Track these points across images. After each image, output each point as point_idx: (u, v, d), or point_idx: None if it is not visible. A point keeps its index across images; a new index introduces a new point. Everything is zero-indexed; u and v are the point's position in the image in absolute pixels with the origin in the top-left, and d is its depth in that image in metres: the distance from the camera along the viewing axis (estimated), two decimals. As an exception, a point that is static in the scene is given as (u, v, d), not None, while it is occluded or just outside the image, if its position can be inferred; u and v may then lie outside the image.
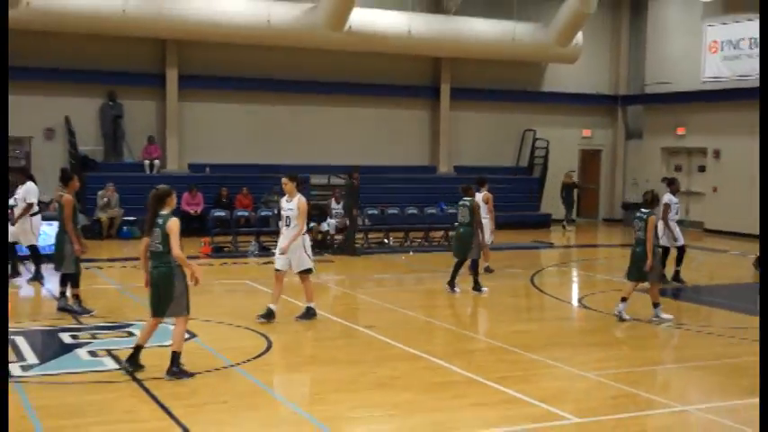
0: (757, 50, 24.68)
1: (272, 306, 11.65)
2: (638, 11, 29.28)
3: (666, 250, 15.39)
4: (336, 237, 20.62)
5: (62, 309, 12.00)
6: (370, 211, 22.49)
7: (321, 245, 20.11)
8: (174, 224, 8.50)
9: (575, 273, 19.01)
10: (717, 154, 26.30)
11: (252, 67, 24.26)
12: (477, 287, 14.66)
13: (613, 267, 19.67)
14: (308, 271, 11.90)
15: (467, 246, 14.56)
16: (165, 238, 8.50)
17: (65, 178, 12.46)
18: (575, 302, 15.05)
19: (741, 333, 11.85)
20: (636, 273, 12.38)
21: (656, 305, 12.54)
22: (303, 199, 11.70)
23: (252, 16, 22.83)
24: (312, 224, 20.30)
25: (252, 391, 8.47)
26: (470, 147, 27.28)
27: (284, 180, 11.87)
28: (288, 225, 11.71)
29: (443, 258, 19.37)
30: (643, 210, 12.45)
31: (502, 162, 27.33)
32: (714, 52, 26.20)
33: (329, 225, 20.43)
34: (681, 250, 15.72)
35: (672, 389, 9.29)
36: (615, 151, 30.02)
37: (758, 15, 24.72)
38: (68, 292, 12.06)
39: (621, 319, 12.35)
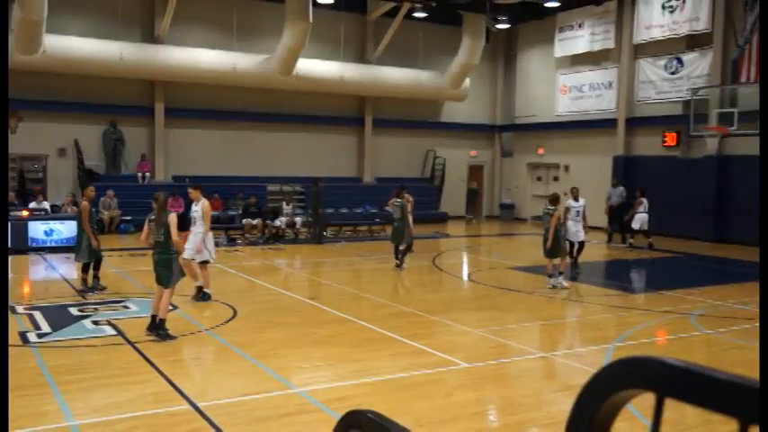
0: (594, 92, 25.30)
1: (197, 284, 11.00)
2: (510, 63, 29.66)
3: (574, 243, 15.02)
4: (287, 231, 20.46)
5: (84, 290, 11.52)
6: (311, 211, 22.35)
7: (275, 237, 19.94)
8: (173, 218, 8.76)
9: (465, 256, 19.18)
10: (567, 168, 26.83)
11: (222, 102, 23.86)
12: (400, 263, 15.08)
13: (494, 251, 19.94)
14: (206, 262, 11.02)
15: (400, 235, 15.02)
16: (167, 229, 8.64)
17: (82, 187, 12.04)
18: (465, 278, 15.16)
19: (594, 300, 12.08)
20: (549, 252, 12.80)
21: (561, 273, 12.93)
22: (207, 203, 11.01)
23: (221, 64, 22.55)
24: (268, 221, 20.14)
25: (221, 349, 8.28)
26: (387, 162, 27.29)
27: (190, 189, 11.21)
28: (194, 225, 10.94)
29: (368, 246, 19.39)
30: (549, 207, 12.90)
31: (411, 174, 27.42)
32: (564, 93, 26.70)
33: (281, 222, 20.23)
34: (580, 244, 15.14)
35: (536, 340, 9.40)
36: (494, 166, 30.37)
37: (594, 69, 25.37)
38: (90, 274, 11.66)
39: (554, 287, 12.72)
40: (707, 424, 5.62)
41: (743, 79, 19.71)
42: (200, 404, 6.23)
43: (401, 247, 15.13)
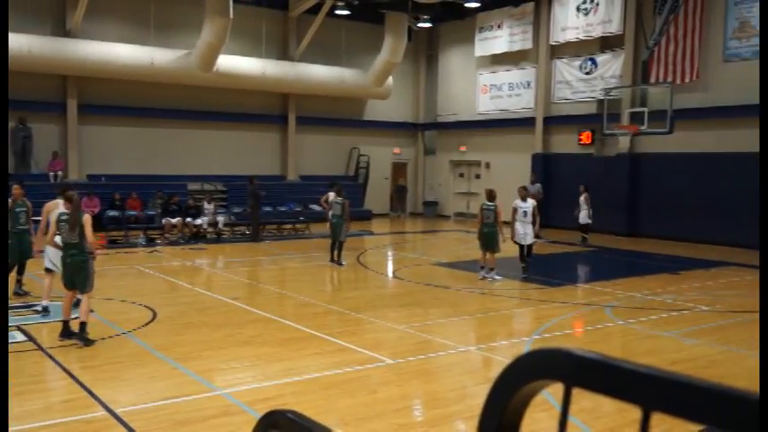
0: (513, 92, 25.89)
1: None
2: (432, 62, 29.99)
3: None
4: (209, 230, 20.10)
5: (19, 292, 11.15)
6: (235, 210, 22.03)
7: (196, 237, 19.55)
8: (88, 218, 8.47)
9: (389, 253, 19.28)
10: (488, 165, 27.35)
11: (139, 98, 23.18)
12: (339, 261, 15.33)
13: (418, 248, 20.13)
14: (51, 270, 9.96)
15: (340, 232, 15.35)
16: (82, 229, 8.32)
17: None
18: (390, 275, 15.24)
19: (515, 294, 12.34)
20: (486, 246, 13.08)
21: (491, 269, 13.18)
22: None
23: (137, 59, 21.91)
24: (188, 219, 19.70)
25: (140, 352, 8.05)
26: (311, 161, 27.15)
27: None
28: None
29: (293, 244, 19.24)
30: (489, 203, 13.32)
31: (335, 172, 27.34)
32: (485, 93, 27.20)
33: (202, 221, 19.83)
34: (529, 248, 13.87)
35: (459, 335, 9.54)
36: (417, 163, 30.66)
37: (512, 69, 25.96)
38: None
39: (493, 280, 13.13)
40: (620, 411, 5.84)
41: (652, 80, 20.57)
42: (118, 410, 6.04)
43: (337, 243, 15.46)
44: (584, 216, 19.69)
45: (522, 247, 13.72)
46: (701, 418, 0.58)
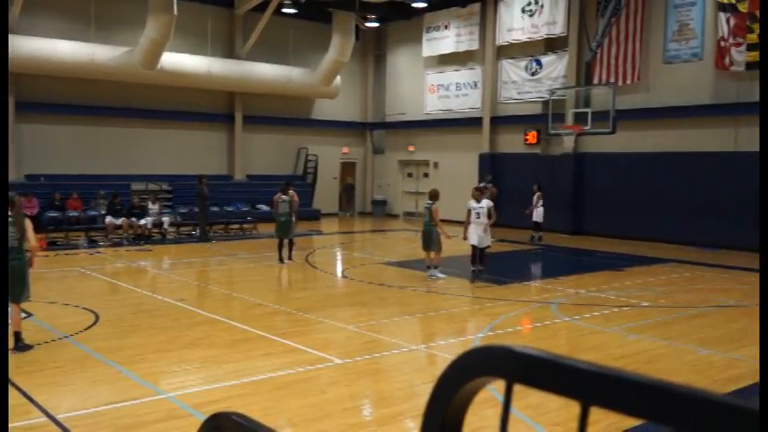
0: (460, 92, 26.14)
1: None
2: (380, 62, 30.05)
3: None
4: (154, 231, 19.74)
5: None
6: (181, 210, 21.69)
7: (141, 237, 19.18)
8: (29, 222, 8.23)
9: (338, 252, 19.25)
10: (436, 165, 27.55)
11: (80, 95, 22.58)
12: (289, 257, 15.68)
13: (366, 247, 20.14)
14: None
15: (288, 230, 15.59)
16: (23, 233, 8.02)
17: None
18: (339, 274, 15.21)
19: (464, 292, 12.44)
20: (424, 244, 13.19)
21: (435, 267, 13.35)
22: None
23: (77, 55, 21.34)
24: (133, 219, 19.30)
25: (82, 356, 7.85)
26: (259, 160, 26.90)
27: None
28: None
29: (240, 244, 19.04)
30: (428, 202, 13.30)
31: (283, 171, 27.14)
32: (432, 93, 27.39)
33: (147, 221, 19.45)
34: (481, 251, 13.42)
35: (408, 334, 9.58)
36: (366, 163, 30.67)
37: (460, 69, 26.20)
38: None
39: (435, 278, 13.25)
40: (566, 407, 5.95)
41: (595, 81, 21.02)
42: (60, 416, 5.88)
43: (285, 242, 15.68)
44: (538, 214, 19.99)
45: (474, 248, 13.30)
46: (638, 412, 0.59)
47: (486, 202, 13.32)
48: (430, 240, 13.39)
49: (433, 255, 13.54)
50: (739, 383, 7.10)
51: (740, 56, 18.06)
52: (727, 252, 17.76)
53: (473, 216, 13.20)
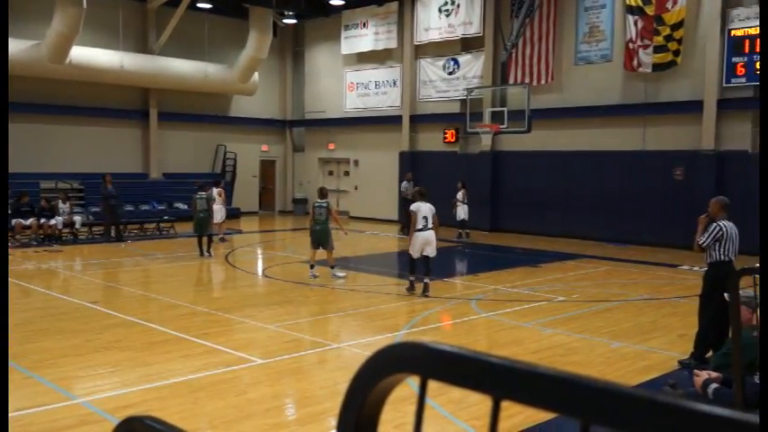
0: (380, 90, 26.26)
1: None
2: (298, 59, 29.83)
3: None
4: (65, 231, 19.00)
5: None
6: (93, 209, 20.96)
7: (51, 238, 18.42)
8: None
9: (259, 251, 19.02)
10: (356, 163, 27.59)
11: (-18, 90, 21.48)
12: (209, 252, 16.14)
13: (287, 246, 19.97)
14: None
15: (206, 226, 16.09)
16: None
17: None
18: (259, 273, 15.04)
19: (378, 289, 12.51)
20: (317, 243, 13.04)
21: (332, 267, 13.17)
22: None
23: (-20, 48, 20.29)
24: (43, 219, 18.52)
25: (-14, 365, 7.47)
26: (175, 158, 26.26)
27: None
28: None
29: (156, 244, 18.55)
30: (320, 200, 13.19)
31: (201, 170, 26.59)
32: (352, 91, 27.39)
33: (57, 221, 18.69)
34: (426, 260, 11.67)
35: (330, 332, 9.58)
36: (286, 161, 30.41)
37: (379, 67, 26.33)
38: None
39: (315, 276, 13.09)
40: (486, 401, 6.06)
41: (511, 81, 21.52)
42: (-38, 428, 5.58)
43: (204, 238, 16.12)
44: (462, 212, 20.28)
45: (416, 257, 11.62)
46: (548, 405, 0.61)
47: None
48: (326, 239, 13.23)
49: (326, 254, 13.36)
50: (650, 374, 7.42)
51: (647, 57, 18.86)
52: (638, 248, 18.52)
53: (419, 218, 11.37)
